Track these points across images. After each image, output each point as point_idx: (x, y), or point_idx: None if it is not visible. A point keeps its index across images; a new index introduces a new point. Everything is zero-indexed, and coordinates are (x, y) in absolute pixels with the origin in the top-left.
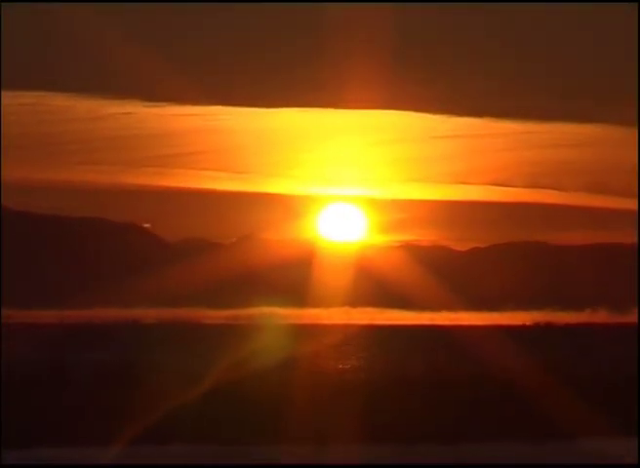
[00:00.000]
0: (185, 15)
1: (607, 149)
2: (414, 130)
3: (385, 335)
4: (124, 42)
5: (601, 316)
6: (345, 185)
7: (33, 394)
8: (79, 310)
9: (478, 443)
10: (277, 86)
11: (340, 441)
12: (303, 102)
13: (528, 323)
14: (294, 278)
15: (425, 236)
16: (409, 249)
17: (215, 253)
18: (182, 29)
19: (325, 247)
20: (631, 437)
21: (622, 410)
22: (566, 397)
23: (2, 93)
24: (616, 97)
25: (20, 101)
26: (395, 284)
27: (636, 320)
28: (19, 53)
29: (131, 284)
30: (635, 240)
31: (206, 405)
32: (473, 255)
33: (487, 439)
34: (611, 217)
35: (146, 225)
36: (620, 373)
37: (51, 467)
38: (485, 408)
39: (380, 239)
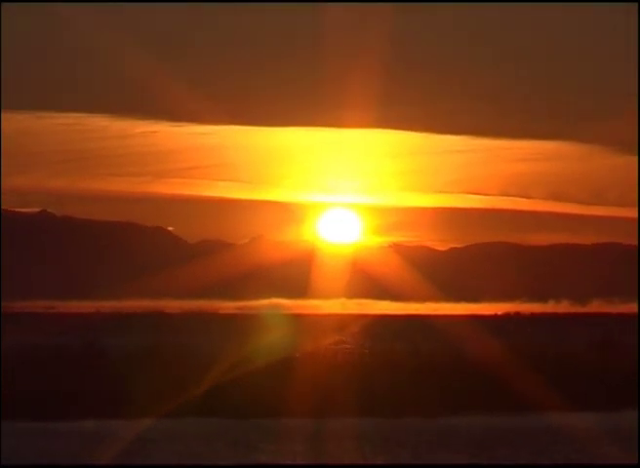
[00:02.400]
0: (206, 50)
1: (568, 163)
2: (401, 146)
3: (377, 323)
4: (151, 72)
5: (563, 306)
6: (342, 194)
7: (73, 372)
8: (112, 301)
9: (456, 415)
10: (283, 108)
11: (337, 414)
12: (306, 122)
13: (499, 312)
14: (297, 274)
15: (411, 238)
16: (397, 248)
17: (229, 252)
18: (204, 62)
19: (324, 247)
20: (585, 411)
21: (580, 387)
22: (532, 375)
23: (46, 114)
24: (576, 117)
25: (62, 122)
26: (385, 279)
27: (594, 310)
28: (62, 80)
29: (157, 278)
30: (593, 241)
31: (222, 382)
32: (452, 254)
33: (463, 412)
34: (571, 221)
35: (170, 228)
36: (579, 356)
37: (50, 467)
38: (462, 385)
39: (372, 240)
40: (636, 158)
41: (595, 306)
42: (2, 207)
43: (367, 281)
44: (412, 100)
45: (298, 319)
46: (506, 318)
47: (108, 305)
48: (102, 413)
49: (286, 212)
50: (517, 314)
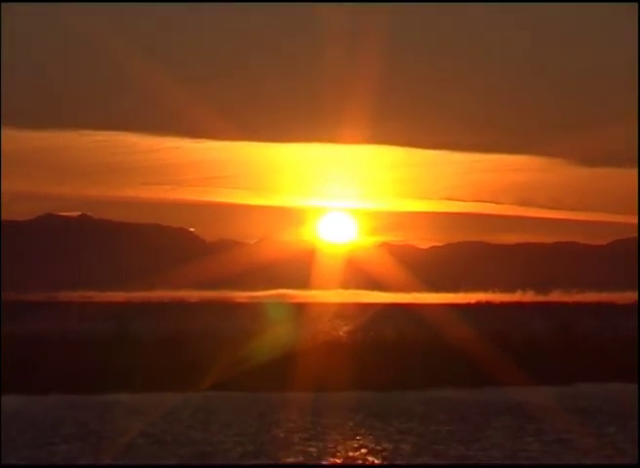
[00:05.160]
0: (222, 78)
1: (532, 174)
2: (391, 159)
3: (369, 311)
4: (175, 97)
5: (529, 296)
6: (339, 200)
7: (107, 352)
8: (141, 291)
9: (436, 389)
10: (288, 126)
11: (334, 389)
12: (308, 139)
13: (473, 301)
14: (300, 268)
15: (397, 237)
16: (386, 247)
17: (241, 249)
18: (222, 87)
19: (323, 245)
20: (543, 386)
21: (542, 365)
22: (500, 355)
23: (86, 132)
24: (540, 135)
25: (97, 139)
26: (376, 273)
27: (554, 299)
28: (100, 104)
29: (179, 272)
30: (553, 240)
31: (236, 361)
32: (433, 252)
33: (442, 386)
34: (535, 224)
35: (191, 229)
36: (541, 338)
37: (52, 467)
38: (440, 363)
39: (365, 240)
40: (589, 170)
41: (556, 296)
42: (48, 212)
43: (360, 274)
44: (400, 120)
45: (300, 307)
46: (479, 306)
47: (138, 295)
48: (134, 388)
49: (290, 215)
50: (488, 302)
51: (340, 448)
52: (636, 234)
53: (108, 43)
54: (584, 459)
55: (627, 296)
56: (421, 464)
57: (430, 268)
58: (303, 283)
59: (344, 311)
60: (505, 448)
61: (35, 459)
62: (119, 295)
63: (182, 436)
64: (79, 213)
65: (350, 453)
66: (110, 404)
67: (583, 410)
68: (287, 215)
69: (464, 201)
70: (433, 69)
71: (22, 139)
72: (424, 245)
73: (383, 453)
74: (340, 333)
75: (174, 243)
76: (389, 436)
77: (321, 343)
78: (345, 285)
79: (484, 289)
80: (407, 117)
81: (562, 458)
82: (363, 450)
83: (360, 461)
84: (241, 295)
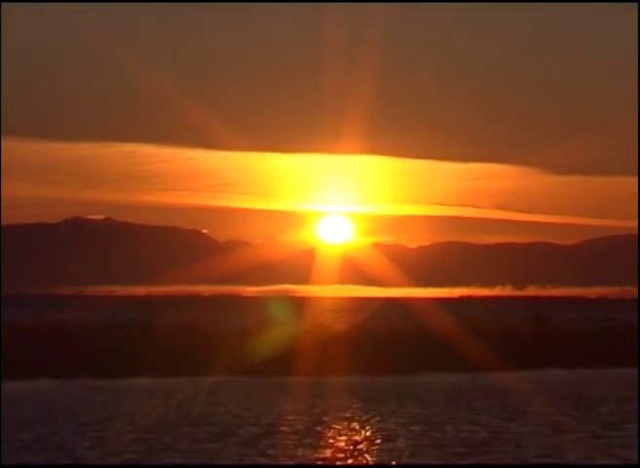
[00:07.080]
0: (231, 95)
1: (510, 181)
2: (383, 168)
3: (363, 304)
4: (188, 112)
5: (507, 291)
6: (337, 204)
7: (129, 341)
8: (160, 286)
9: (423, 374)
10: (291, 138)
11: (332, 374)
12: (310, 149)
13: (456, 295)
14: (301, 266)
15: (389, 238)
16: (378, 247)
17: (248, 249)
18: (231, 103)
19: (322, 246)
20: (520, 371)
21: (517, 352)
22: (481, 344)
23: (111, 144)
24: (517, 146)
25: (122, 150)
26: (369, 270)
27: (530, 294)
28: (127, 120)
29: (194, 269)
30: (528, 240)
31: (245, 348)
32: (421, 251)
33: (429, 371)
34: (512, 226)
35: (204, 231)
36: (517, 328)
37: (52, 467)
38: (426, 351)
39: (360, 241)
40: (560, 178)
41: (531, 291)
42: (76, 215)
43: (355, 272)
44: (393, 133)
45: (301, 301)
46: (461, 300)
47: (157, 290)
48: (153, 372)
49: (292, 218)
50: (469, 297)
51: (341, 427)
52: (602, 235)
53: (124, 59)
54: (566, 437)
55: (595, 291)
56: (421, 464)
57: (418, 266)
58: (304, 279)
59: (341, 304)
60: (493, 428)
61: (66, 436)
62: (140, 290)
63: (201, 416)
64: (104, 216)
65: (352, 434)
66: (132, 387)
67: (558, 394)
68: (289, 219)
69: (449, 205)
70: (422, 88)
71: (53, 151)
72: (413, 245)
73: (383, 432)
74: (338, 324)
75: (188, 243)
76: (386, 416)
77: (320, 333)
78: (342, 281)
79: (467, 284)
80: (399, 130)
81: (545, 434)
82: (364, 431)
83: (361, 445)
84: (248, 290)
